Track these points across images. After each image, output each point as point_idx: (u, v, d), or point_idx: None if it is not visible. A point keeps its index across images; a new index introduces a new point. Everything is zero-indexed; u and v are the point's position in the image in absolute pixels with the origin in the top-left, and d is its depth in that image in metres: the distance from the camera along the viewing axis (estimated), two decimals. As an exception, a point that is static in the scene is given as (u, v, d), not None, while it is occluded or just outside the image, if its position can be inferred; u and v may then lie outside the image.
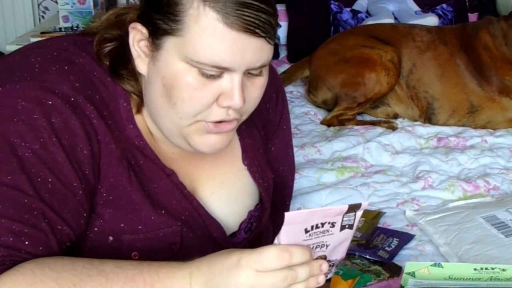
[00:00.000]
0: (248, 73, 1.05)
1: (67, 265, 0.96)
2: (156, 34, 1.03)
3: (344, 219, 0.94)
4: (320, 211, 0.92)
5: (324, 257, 0.97)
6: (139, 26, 1.05)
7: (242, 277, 0.92)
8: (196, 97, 1.03)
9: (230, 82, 1.03)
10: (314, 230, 0.92)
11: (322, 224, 0.93)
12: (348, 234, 0.97)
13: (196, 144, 1.09)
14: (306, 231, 0.92)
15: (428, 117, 2.61)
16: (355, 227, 0.97)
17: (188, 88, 1.03)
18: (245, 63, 1.02)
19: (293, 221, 0.90)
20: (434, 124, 2.59)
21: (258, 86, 1.08)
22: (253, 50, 1.01)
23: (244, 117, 1.11)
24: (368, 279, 1.48)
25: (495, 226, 1.69)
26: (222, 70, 1.02)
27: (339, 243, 0.97)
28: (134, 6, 1.15)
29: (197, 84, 1.03)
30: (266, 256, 0.91)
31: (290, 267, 0.92)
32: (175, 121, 1.07)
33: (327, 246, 0.96)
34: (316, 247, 0.95)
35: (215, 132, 1.08)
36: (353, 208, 0.94)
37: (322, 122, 2.64)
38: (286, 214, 0.89)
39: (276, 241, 0.92)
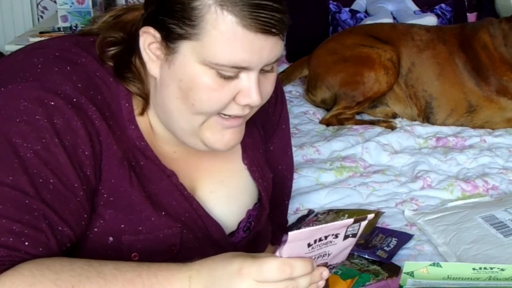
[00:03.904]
0: (261, 70, 1.06)
1: (66, 266, 0.96)
2: (170, 38, 1.04)
3: (349, 229, 0.94)
4: (324, 228, 0.91)
5: (325, 264, 0.97)
6: (151, 30, 1.05)
7: (243, 286, 0.92)
8: (214, 98, 1.05)
9: (248, 81, 1.04)
10: (317, 243, 0.92)
11: (326, 237, 0.93)
12: (351, 241, 0.97)
13: (211, 142, 1.10)
14: (309, 245, 0.92)
15: (426, 116, 2.61)
16: (358, 235, 0.97)
17: (207, 90, 1.04)
18: (262, 62, 1.04)
19: (296, 239, 0.90)
20: (433, 123, 2.59)
21: (270, 81, 1.10)
22: (269, 48, 1.03)
23: (254, 111, 1.13)
24: (367, 279, 1.48)
25: (494, 226, 1.69)
26: (240, 70, 1.03)
27: (341, 250, 0.98)
28: (132, 7, 1.16)
29: (216, 85, 1.04)
30: (267, 268, 0.91)
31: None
32: (191, 121, 1.08)
33: (329, 254, 0.96)
34: (318, 257, 0.95)
35: (228, 126, 1.09)
36: (358, 220, 0.94)
37: (321, 122, 2.64)
38: (290, 234, 0.89)
39: (277, 253, 0.92)
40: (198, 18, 1.01)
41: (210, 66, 1.03)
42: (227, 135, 1.10)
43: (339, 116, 2.60)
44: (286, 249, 0.91)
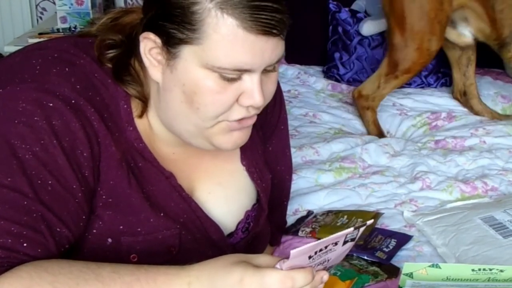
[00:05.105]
0: (264, 70, 1.06)
1: (64, 268, 0.96)
2: (171, 43, 1.04)
3: (348, 235, 0.95)
4: (325, 241, 0.92)
5: (323, 268, 0.98)
6: (152, 35, 1.05)
7: None
8: (218, 101, 1.05)
9: (250, 82, 1.05)
10: (318, 254, 0.93)
11: (326, 247, 0.93)
12: (350, 245, 0.98)
13: (220, 143, 1.11)
14: (310, 257, 0.93)
15: (501, 44, 2.40)
16: (357, 239, 0.98)
17: (210, 93, 1.04)
18: (264, 63, 1.04)
19: (298, 256, 0.91)
20: (500, 53, 2.39)
21: (273, 80, 1.11)
22: (271, 49, 1.04)
23: (259, 111, 1.13)
24: (366, 280, 1.48)
25: (493, 227, 1.69)
26: (242, 72, 1.04)
27: (340, 254, 0.98)
28: (129, 9, 1.16)
29: (219, 88, 1.04)
30: (268, 280, 0.91)
31: None
32: (197, 124, 1.08)
33: (329, 260, 0.97)
34: (318, 265, 0.96)
35: (238, 129, 1.10)
36: (358, 227, 0.95)
37: (353, 93, 2.52)
38: (292, 252, 0.89)
39: (278, 266, 0.93)
40: (199, 22, 1.01)
41: (213, 69, 1.03)
42: (235, 135, 1.11)
43: (371, 94, 2.43)
44: (287, 265, 0.92)
